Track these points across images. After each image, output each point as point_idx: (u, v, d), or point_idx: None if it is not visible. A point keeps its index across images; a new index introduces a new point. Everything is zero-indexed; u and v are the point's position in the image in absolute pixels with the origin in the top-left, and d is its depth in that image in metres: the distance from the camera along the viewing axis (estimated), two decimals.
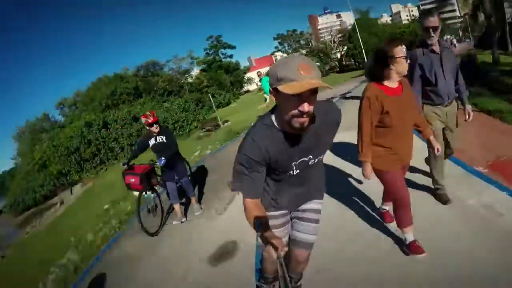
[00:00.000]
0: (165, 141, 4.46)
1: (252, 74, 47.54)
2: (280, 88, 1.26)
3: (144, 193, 4.66)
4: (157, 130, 4.42)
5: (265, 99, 11.96)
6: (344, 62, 37.17)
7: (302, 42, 42.54)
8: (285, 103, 1.32)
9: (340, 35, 40.18)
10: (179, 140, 10.70)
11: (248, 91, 44.13)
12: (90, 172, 18.39)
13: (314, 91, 1.26)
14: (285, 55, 42.64)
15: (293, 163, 1.60)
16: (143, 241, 4.50)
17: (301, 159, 1.60)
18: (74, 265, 5.08)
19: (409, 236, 2.38)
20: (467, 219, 2.65)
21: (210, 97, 20.77)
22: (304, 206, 1.94)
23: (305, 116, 1.30)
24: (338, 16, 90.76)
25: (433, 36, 2.65)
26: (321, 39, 43.66)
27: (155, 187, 4.90)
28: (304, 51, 39.42)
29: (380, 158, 2.32)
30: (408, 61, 2.19)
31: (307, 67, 1.24)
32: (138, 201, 4.55)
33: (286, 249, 1.26)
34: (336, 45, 38.65)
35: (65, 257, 5.63)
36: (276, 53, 47.38)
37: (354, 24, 33.87)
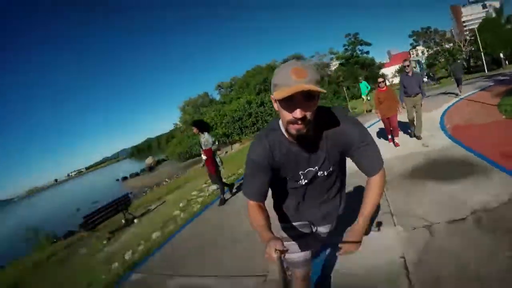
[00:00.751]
0: None
1: (386, 70, 48.64)
2: (274, 94, 1.25)
3: None
4: None
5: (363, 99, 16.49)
6: (471, 63, 34.81)
7: (437, 40, 40.78)
8: (281, 110, 1.28)
9: (466, 33, 37.14)
10: None
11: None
12: (248, 135, 24.63)
13: (309, 97, 1.22)
14: (424, 50, 42.46)
15: (300, 172, 1.57)
16: None
17: (308, 169, 1.56)
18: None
19: (396, 138, 6.60)
20: (415, 147, 6.32)
21: (345, 89, 24.72)
22: (328, 227, 1.92)
23: (299, 122, 1.25)
24: (484, 7, 77.13)
25: (407, 66, 6.60)
26: (464, 32, 40.49)
27: None
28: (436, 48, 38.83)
29: (380, 112, 6.62)
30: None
31: (300, 71, 1.20)
32: None
33: (286, 249, 1.18)
34: (464, 44, 35.88)
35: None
36: (418, 47, 46.69)
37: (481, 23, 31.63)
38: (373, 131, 8.56)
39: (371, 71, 42.26)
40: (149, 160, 42.81)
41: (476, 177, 3.92)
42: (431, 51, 40.52)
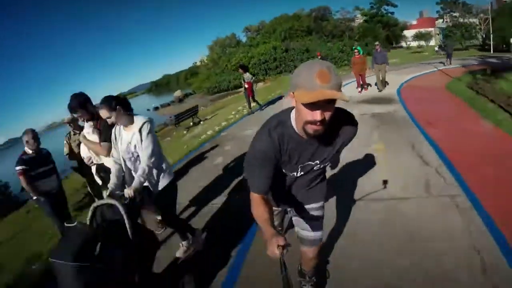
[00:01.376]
0: None
1: (408, 32, 50.06)
2: (295, 94, 1.27)
3: None
4: None
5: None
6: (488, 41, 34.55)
7: (460, 12, 41.29)
8: (300, 108, 1.29)
9: (482, 15, 36.46)
10: None
11: (401, 47, 48.20)
12: (272, 76, 28.81)
13: (331, 101, 1.23)
14: (447, 20, 43.53)
15: (299, 165, 1.62)
16: None
17: (308, 163, 1.62)
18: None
19: (364, 88, 11.02)
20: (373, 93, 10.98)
21: (363, 45, 28.10)
22: (305, 206, 1.95)
23: (318, 124, 1.27)
24: None
25: (377, 45, 10.88)
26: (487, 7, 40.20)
27: None
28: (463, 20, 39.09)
29: (355, 71, 11.15)
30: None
31: (325, 75, 1.19)
32: None
33: (289, 245, 1.22)
34: (482, 25, 35.62)
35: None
36: (440, 20, 47.29)
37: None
38: (350, 87, 12.58)
39: (393, 32, 44.48)
40: (178, 93, 46.53)
41: (383, 104, 8.42)
42: (450, 23, 41.07)
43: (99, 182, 3.36)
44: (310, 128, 1.32)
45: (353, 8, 45.23)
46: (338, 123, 1.49)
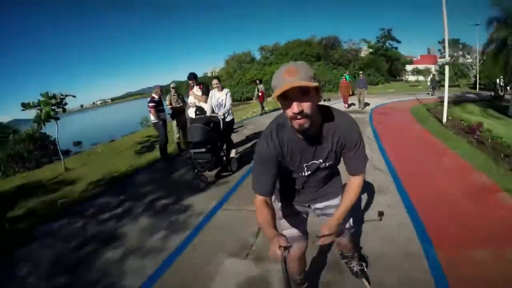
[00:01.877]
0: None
1: (409, 67, 53.77)
2: (273, 94, 1.32)
3: None
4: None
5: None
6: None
7: (460, 52, 44.19)
8: (283, 107, 1.37)
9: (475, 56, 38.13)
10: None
11: (401, 79, 51.94)
12: None
13: (304, 92, 1.30)
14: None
15: (304, 164, 1.67)
16: None
17: (312, 161, 1.66)
18: None
19: (346, 104, 14.68)
20: (354, 110, 14.78)
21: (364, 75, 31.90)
22: (324, 203, 1.99)
23: (299, 117, 1.33)
24: None
25: (360, 74, 14.61)
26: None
27: None
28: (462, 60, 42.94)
29: (341, 93, 14.87)
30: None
31: (292, 70, 1.29)
32: None
33: (290, 246, 1.27)
34: (472, 65, 37.79)
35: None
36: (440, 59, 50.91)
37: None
38: (339, 104, 15.67)
39: (395, 65, 48.32)
40: None
41: (357, 114, 11.87)
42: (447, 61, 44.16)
43: (193, 116, 6.02)
44: (296, 124, 1.37)
45: (360, 40, 49.38)
46: (331, 121, 1.56)
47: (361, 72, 15.52)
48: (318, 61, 43.54)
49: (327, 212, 1.98)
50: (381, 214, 2.10)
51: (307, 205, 2.03)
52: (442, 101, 10.33)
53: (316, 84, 1.32)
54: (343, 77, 15.02)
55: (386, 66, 45.86)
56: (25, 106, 7.38)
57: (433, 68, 52.30)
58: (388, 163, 5.62)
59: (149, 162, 7.55)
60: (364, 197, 4.08)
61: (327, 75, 32.82)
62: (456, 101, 16.32)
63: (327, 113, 1.57)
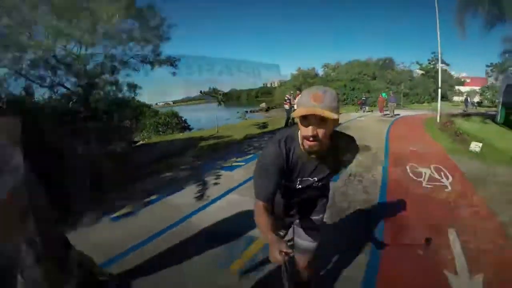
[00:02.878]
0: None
1: (463, 88, 58.03)
2: (295, 111, 1.44)
3: None
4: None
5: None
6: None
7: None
8: (299, 125, 1.49)
9: None
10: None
11: (449, 100, 57.13)
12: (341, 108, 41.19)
13: (322, 120, 1.40)
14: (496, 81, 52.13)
15: (298, 179, 1.76)
16: None
17: (307, 178, 1.75)
18: None
19: (382, 112, 22.92)
20: (384, 117, 23.01)
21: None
22: (306, 217, 2.08)
23: (311, 139, 1.44)
24: None
25: (391, 93, 23.64)
26: None
27: None
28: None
29: (379, 106, 23.52)
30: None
31: (319, 96, 1.39)
32: None
33: (290, 251, 1.29)
34: None
35: None
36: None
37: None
38: (377, 113, 23.58)
39: (443, 87, 53.91)
40: (263, 105, 57.89)
41: (384, 119, 20.69)
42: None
43: None
44: (306, 144, 1.50)
45: (411, 63, 55.92)
46: (338, 147, 1.68)
47: (391, 91, 23.92)
48: (374, 80, 51.18)
49: (304, 224, 2.13)
50: (428, 240, 2.33)
51: (292, 217, 2.14)
52: (459, 115, 15.62)
53: (336, 116, 1.42)
54: (380, 95, 23.38)
55: (433, 86, 52.02)
56: None
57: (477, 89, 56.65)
58: (387, 139, 11.33)
59: (269, 131, 14.18)
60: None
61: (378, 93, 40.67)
62: (472, 114, 22.29)
63: (336, 139, 1.70)
